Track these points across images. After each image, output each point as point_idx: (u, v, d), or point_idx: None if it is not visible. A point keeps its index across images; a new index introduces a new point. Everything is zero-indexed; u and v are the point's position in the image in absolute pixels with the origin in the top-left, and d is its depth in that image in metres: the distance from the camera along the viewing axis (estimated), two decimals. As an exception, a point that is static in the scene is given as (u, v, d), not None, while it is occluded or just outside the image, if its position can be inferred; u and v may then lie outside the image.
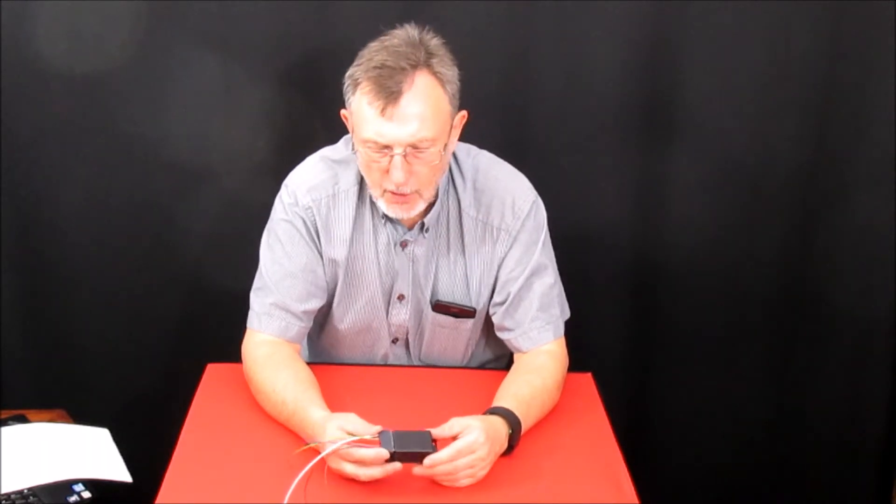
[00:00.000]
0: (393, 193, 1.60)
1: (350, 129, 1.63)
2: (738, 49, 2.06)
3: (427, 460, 1.43)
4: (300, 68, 2.02)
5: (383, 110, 1.51)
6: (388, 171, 1.56)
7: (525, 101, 2.08)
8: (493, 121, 1.99)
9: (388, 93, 1.51)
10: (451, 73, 1.58)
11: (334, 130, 1.79)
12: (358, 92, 1.55)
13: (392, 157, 1.54)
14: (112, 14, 1.95)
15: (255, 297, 1.74)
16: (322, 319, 1.82)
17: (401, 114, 1.52)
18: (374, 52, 1.55)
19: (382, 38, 1.57)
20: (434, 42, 1.57)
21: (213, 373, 1.77)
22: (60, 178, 2.07)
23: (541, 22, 2.02)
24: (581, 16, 2.02)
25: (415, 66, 1.52)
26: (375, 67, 1.52)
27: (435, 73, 1.55)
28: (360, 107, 1.55)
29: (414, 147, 1.54)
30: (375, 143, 1.54)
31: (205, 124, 2.05)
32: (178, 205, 2.11)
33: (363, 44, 1.60)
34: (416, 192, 1.60)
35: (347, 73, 1.57)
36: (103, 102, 2.02)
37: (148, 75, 2.00)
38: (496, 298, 1.76)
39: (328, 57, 1.98)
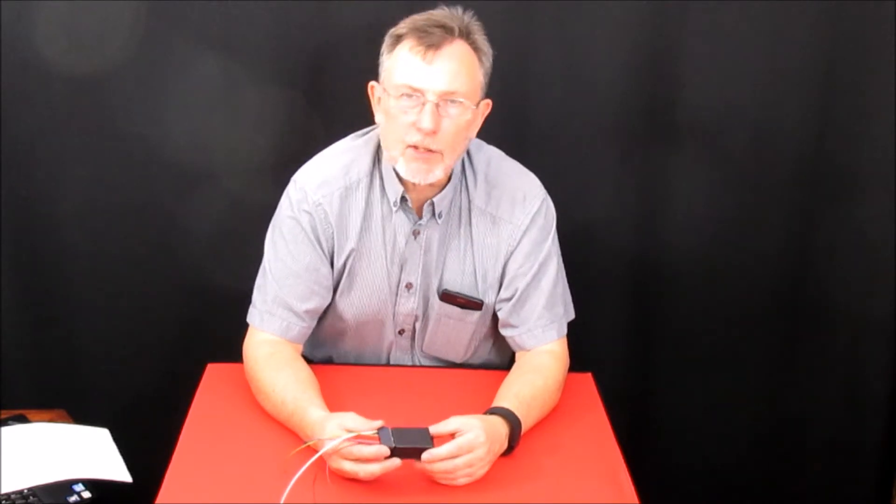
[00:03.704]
0: (416, 149, 1.59)
1: (375, 101, 1.64)
2: (739, 49, 2.06)
3: (425, 455, 1.43)
4: (300, 68, 2.02)
5: (424, 55, 1.55)
6: (414, 124, 1.57)
7: (525, 101, 2.08)
8: (493, 120, 1.98)
9: (430, 42, 1.56)
10: (488, 52, 1.63)
11: (334, 130, 1.79)
12: (399, 45, 1.58)
13: (424, 103, 1.56)
14: (112, 14, 1.95)
15: (257, 293, 1.74)
16: (328, 309, 1.80)
17: (440, 62, 1.56)
18: (417, 17, 1.60)
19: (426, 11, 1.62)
20: (475, 25, 1.62)
21: (213, 373, 1.77)
22: (60, 178, 2.07)
23: (541, 22, 2.02)
24: (581, 16, 2.02)
25: (458, 34, 1.58)
26: (423, 23, 1.58)
27: (474, 46, 1.60)
28: (398, 56, 1.58)
29: (445, 99, 1.56)
30: (410, 86, 1.56)
31: (205, 124, 2.05)
32: (178, 205, 2.10)
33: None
34: (440, 152, 1.60)
35: (389, 32, 1.61)
36: (103, 102, 2.02)
37: (148, 75, 2.00)
38: (503, 294, 1.75)
39: (328, 57, 1.98)
